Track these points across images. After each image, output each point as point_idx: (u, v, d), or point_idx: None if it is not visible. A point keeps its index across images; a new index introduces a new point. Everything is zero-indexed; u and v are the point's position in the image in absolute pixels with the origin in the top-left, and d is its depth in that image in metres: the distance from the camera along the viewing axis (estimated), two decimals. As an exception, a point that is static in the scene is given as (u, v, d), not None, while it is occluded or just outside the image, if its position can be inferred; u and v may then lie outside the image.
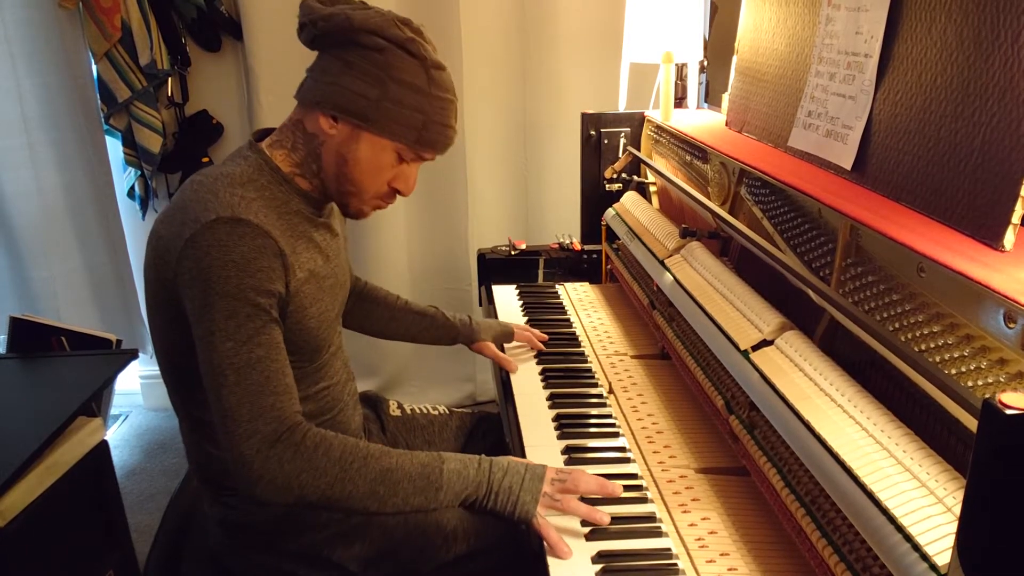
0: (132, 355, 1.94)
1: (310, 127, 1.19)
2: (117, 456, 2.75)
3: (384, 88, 1.13)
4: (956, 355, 0.86)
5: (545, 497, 1.13)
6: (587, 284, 2.11)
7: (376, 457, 1.12)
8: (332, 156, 1.18)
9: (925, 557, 0.75)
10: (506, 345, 1.72)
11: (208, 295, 1.06)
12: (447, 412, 1.66)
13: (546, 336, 1.74)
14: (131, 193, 2.81)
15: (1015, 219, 0.89)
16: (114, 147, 2.75)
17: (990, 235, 0.92)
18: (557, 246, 2.19)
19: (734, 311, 1.29)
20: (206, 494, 1.32)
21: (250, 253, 1.08)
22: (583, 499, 1.15)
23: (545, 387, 1.55)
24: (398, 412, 1.61)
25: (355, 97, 1.14)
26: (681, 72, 2.11)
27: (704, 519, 1.15)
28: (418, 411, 1.63)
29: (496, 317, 1.87)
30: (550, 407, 1.47)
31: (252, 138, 1.25)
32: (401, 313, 1.64)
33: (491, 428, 1.65)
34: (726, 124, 1.71)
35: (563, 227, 2.31)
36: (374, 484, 1.10)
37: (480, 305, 2.19)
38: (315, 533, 1.27)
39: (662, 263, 1.58)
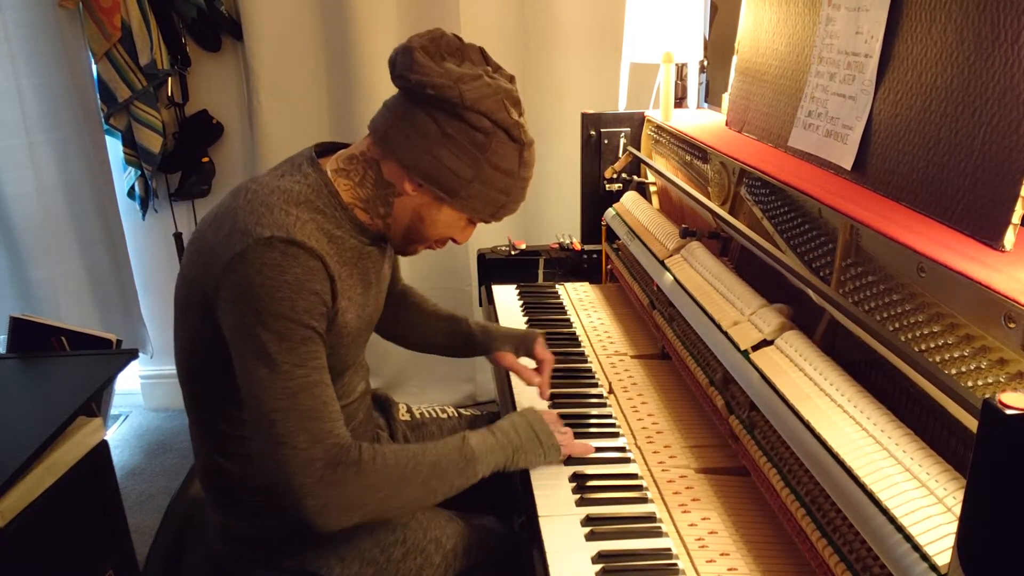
0: (132, 355, 1.94)
1: (388, 175, 1.15)
2: (117, 456, 2.75)
3: (479, 170, 1.11)
4: (956, 355, 0.86)
5: (557, 435, 1.25)
6: (587, 284, 2.11)
7: (422, 454, 1.13)
8: (407, 211, 1.16)
9: (925, 557, 0.75)
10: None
11: (259, 315, 1.03)
12: (456, 414, 1.66)
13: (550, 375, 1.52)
14: (131, 193, 2.81)
15: (1015, 219, 0.89)
16: (114, 147, 2.75)
17: (990, 235, 0.92)
18: (557, 246, 2.19)
19: (734, 311, 1.29)
20: (209, 500, 1.31)
21: (304, 276, 1.05)
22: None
23: (545, 387, 1.55)
24: (407, 416, 1.60)
25: (449, 173, 1.11)
26: (681, 72, 2.11)
27: (704, 519, 1.15)
28: (427, 414, 1.63)
29: (496, 317, 1.87)
30: (550, 407, 1.46)
31: (313, 152, 1.19)
32: (433, 316, 1.57)
33: None
34: (726, 124, 1.71)
35: (563, 227, 2.31)
36: (427, 480, 1.12)
37: (480, 305, 2.19)
38: (314, 551, 1.26)
39: (662, 263, 1.58)
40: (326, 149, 1.22)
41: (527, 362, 1.51)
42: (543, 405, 1.29)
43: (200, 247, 1.13)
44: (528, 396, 1.52)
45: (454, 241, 1.24)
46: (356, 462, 1.06)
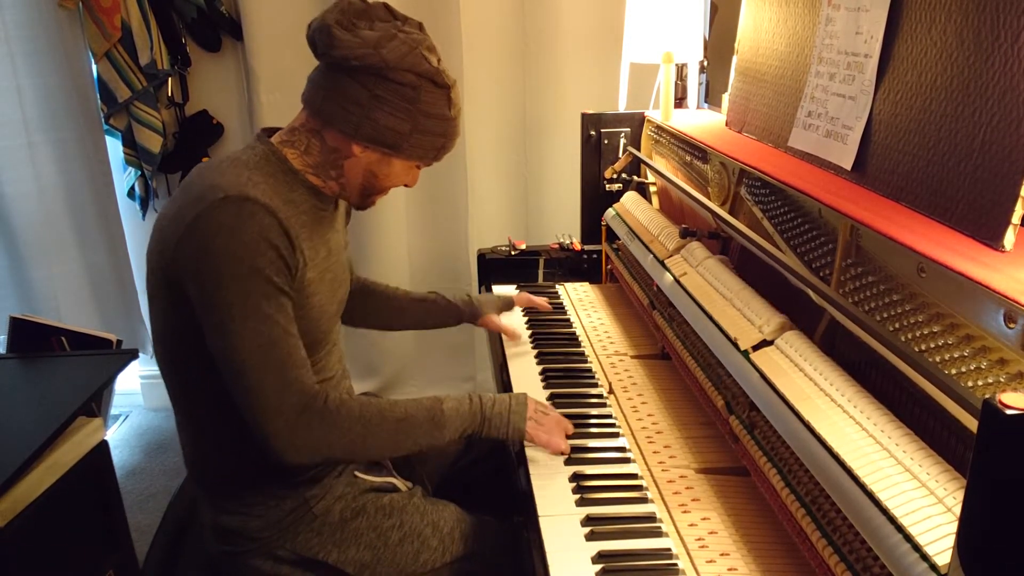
0: (132, 355, 1.94)
1: (332, 142, 1.22)
2: (117, 456, 2.75)
3: (415, 121, 1.18)
4: (956, 355, 0.86)
5: (531, 421, 1.29)
6: (587, 284, 2.11)
7: (389, 409, 1.21)
8: (359, 171, 1.24)
9: (925, 557, 0.75)
10: (506, 349, 1.73)
11: (221, 276, 1.08)
12: None
13: (548, 305, 1.82)
14: (131, 193, 2.81)
15: (1015, 219, 0.89)
16: (114, 147, 2.75)
17: (990, 235, 0.92)
18: (557, 246, 2.18)
19: (734, 311, 1.29)
20: (202, 499, 1.32)
21: (261, 233, 1.10)
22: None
23: (545, 387, 1.55)
24: None
25: (388, 131, 1.18)
26: (681, 72, 2.11)
27: (704, 519, 1.15)
28: None
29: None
30: (549, 402, 1.46)
31: (260, 131, 1.28)
32: (404, 303, 1.67)
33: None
34: (726, 124, 1.71)
35: (563, 227, 2.30)
36: (392, 434, 1.20)
37: (480, 305, 2.19)
38: (310, 536, 1.27)
39: (662, 263, 1.58)
40: (271, 132, 1.29)
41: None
42: (559, 461, 1.29)
43: (159, 227, 1.17)
44: (523, 382, 1.58)
45: (405, 186, 1.31)
46: (322, 409, 1.14)
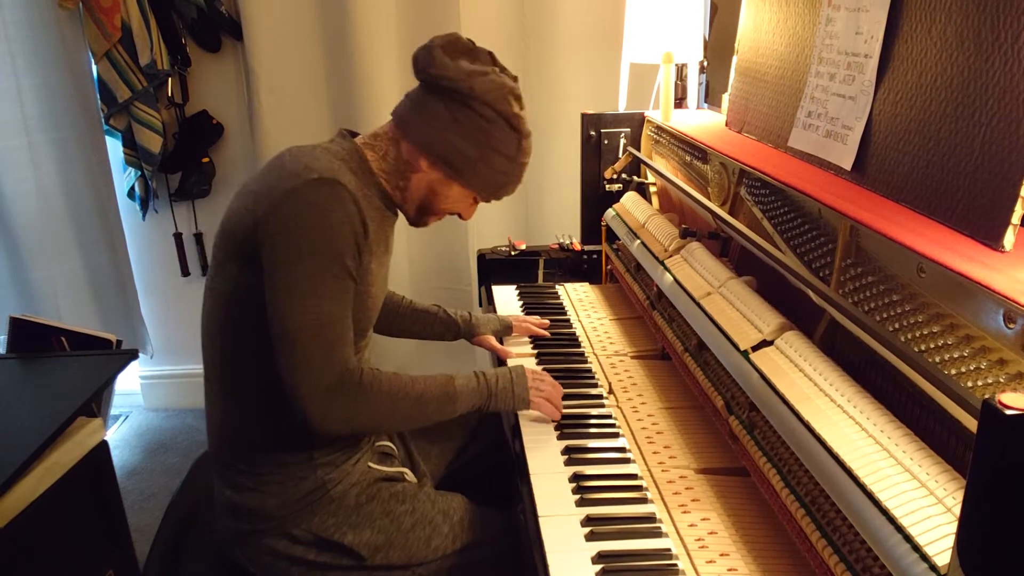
0: (132, 355, 1.94)
1: (406, 155, 1.30)
2: (117, 456, 2.75)
3: (483, 152, 1.27)
4: (956, 355, 0.86)
5: (532, 390, 1.39)
6: (587, 284, 2.11)
7: (411, 385, 1.29)
8: (422, 186, 1.32)
9: (925, 557, 0.75)
10: (505, 339, 1.76)
11: (300, 250, 1.16)
12: None
13: (547, 322, 1.80)
14: (131, 193, 2.81)
15: (1015, 219, 0.89)
16: (114, 147, 2.75)
17: (990, 235, 0.92)
18: (557, 246, 2.19)
19: (734, 311, 1.29)
20: (218, 473, 1.35)
21: (344, 217, 1.18)
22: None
23: (545, 387, 1.55)
24: None
25: (456, 153, 1.27)
26: (681, 72, 2.11)
27: (704, 519, 1.15)
28: None
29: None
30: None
31: (343, 131, 1.35)
32: (407, 311, 1.70)
33: (490, 427, 1.66)
34: (726, 124, 1.71)
35: (563, 227, 2.31)
36: (411, 409, 1.29)
37: (480, 305, 2.19)
38: (326, 517, 1.31)
39: (662, 263, 1.58)
40: (352, 134, 1.36)
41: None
42: (559, 461, 1.33)
43: (244, 195, 1.25)
44: (517, 355, 1.68)
45: (460, 216, 1.40)
46: (358, 384, 1.22)
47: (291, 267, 1.16)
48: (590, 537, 1.10)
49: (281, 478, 1.30)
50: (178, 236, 2.92)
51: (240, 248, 1.22)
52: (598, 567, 1.04)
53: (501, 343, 1.74)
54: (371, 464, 1.39)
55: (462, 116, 1.24)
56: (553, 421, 1.40)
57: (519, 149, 1.30)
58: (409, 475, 1.44)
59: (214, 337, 1.30)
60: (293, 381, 1.18)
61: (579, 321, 1.87)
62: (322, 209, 1.17)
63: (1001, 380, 0.80)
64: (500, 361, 1.69)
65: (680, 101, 2.14)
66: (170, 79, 2.67)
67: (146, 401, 3.13)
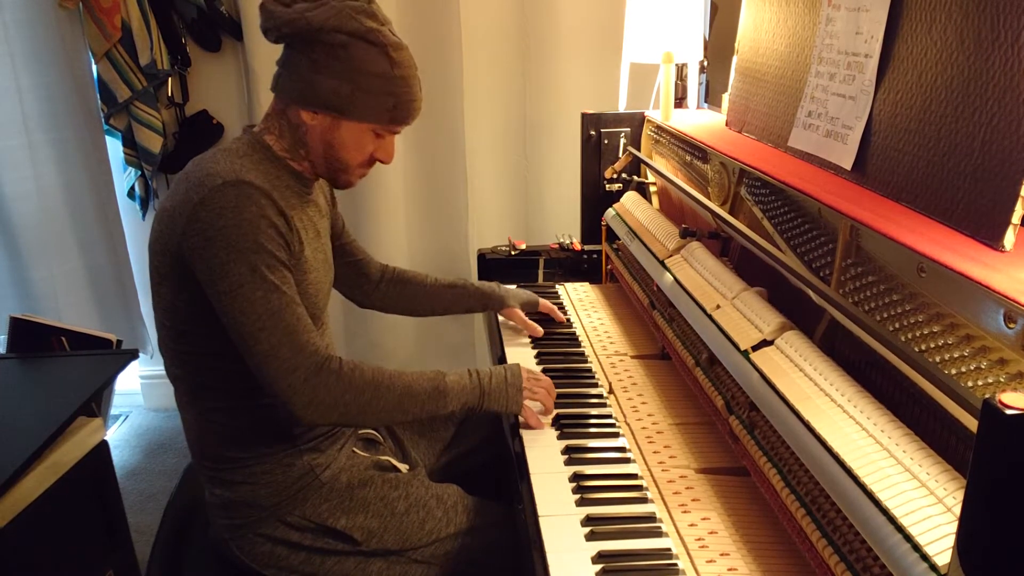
0: (132, 355, 1.94)
1: (292, 118, 1.27)
2: (117, 456, 2.75)
3: (354, 81, 1.22)
4: (956, 355, 0.86)
5: (526, 390, 1.37)
6: (587, 284, 2.11)
7: (398, 376, 1.27)
8: (318, 142, 1.28)
9: (925, 557, 0.75)
10: (506, 349, 1.74)
11: (228, 253, 1.15)
12: None
13: (563, 316, 1.84)
14: (131, 193, 2.81)
15: (1015, 219, 0.89)
16: (114, 147, 2.75)
17: (990, 235, 0.92)
18: (557, 246, 2.18)
19: (734, 311, 1.29)
20: (206, 476, 1.35)
21: (259, 211, 1.17)
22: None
23: (545, 387, 1.55)
24: None
25: (329, 94, 1.22)
26: (681, 72, 2.11)
27: (704, 519, 1.15)
28: None
29: (496, 317, 1.87)
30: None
31: (247, 127, 1.34)
32: (435, 289, 1.72)
33: (480, 419, 1.65)
34: (726, 124, 1.71)
35: (563, 227, 2.30)
36: (400, 399, 1.26)
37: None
38: (319, 503, 1.32)
39: (662, 263, 1.58)
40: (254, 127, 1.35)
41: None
42: (559, 461, 1.33)
43: (161, 218, 1.24)
44: (517, 355, 1.68)
45: (381, 161, 1.33)
46: (337, 370, 1.21)
47: (226, 272, 1.15)
48: (590, 537, 1.10)
49: (269, 467, 1.31)
50: (178, 236, 2.92)
51: (170, 268, 1.22)
52: (598, 567, 1.04)
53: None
54: (355, 450, 1.41)
55: (317, 54, 1.21)
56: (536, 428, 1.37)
57: (391, 62, 1.23)
58: (396, 463, 1.45)
59: (169, 350, 1.30)
60: (269, 377, 1.18)
61: (579, 321, 1.87)
62: (235, 210, 1.16)
63: (1001, 380, 0.80)
64: (500, 361, 1.69)
65: (680, 101, 2.14)
66: (170, 79, 2.67)
67: (146, 401, 3.13)
